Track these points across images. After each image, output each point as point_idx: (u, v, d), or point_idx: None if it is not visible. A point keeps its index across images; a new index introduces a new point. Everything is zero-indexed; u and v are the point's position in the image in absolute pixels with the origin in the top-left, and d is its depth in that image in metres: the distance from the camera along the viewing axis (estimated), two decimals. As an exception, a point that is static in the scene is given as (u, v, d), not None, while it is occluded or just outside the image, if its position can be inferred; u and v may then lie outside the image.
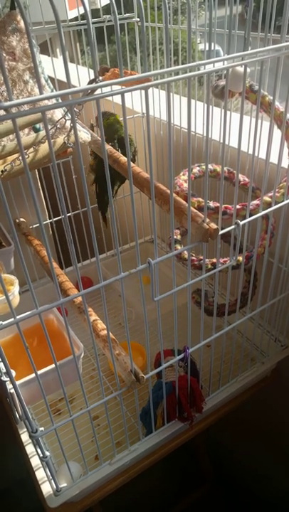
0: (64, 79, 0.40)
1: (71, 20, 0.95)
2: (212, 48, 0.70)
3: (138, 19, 0.98)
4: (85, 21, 0.91)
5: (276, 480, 1.20)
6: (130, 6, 1.10)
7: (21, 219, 1.07)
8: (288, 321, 0.91)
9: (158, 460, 0.80)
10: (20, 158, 0.62)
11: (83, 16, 0.92)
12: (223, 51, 0.82)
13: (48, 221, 1.14)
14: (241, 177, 0.81)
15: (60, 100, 0.69)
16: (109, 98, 0.74)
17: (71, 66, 0.81)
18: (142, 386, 0.65)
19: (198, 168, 0.79)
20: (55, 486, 0.69)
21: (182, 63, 1.05)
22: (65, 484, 0.70)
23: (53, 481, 0.68)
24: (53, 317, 0.78)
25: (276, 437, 1.12)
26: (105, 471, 0.73)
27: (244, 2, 0.68)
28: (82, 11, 0.93)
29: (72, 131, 0.55)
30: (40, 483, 0.71)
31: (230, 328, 0.76)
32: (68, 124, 0.60)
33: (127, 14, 0.97)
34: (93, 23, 0.94)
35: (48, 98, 0.37)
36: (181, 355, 0.74)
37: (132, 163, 0.78)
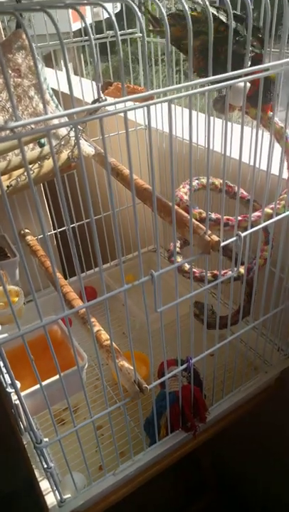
0: (68, 91, 0.41)
1: (75, 32, 0.96)
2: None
3: (140, 35, 1.00)
4: (87, 37, 0.93)
5: (281, 490, 1.19)
6: (133, 19, 1.12)
7: (26, 230, 1.08)
8: (291, 331, 0.91)
9: (162, 470, 0.80)
10: (26, 173, 0.63)
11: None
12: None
13: (53, 232, 1.15)
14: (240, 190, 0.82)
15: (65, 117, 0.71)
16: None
17: (74, 78, 0.83)
18: (146, 396, 0.65)
19: (196, 181, 0.80)
20: (59, 497, 0.69)
21: (184, 73, 1.06)
22: (69, 495, 0.70)
23: (56, 491, 0.68)
24: (57, 328, 0.79)
25: (280, 446, 1.12)
26: (109, 482, 0.73)
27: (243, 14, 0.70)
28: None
29: (76, 146, 0.56)
30: (44, 493, 0.71)
31: (233, 337, 0.77)
32: (72, 140, 0.62)
33: (130, 30, 0.98)
34: (96, 39, 0.96)
35: (53, 118, 0.38)
36: (184, 365, 0.74)
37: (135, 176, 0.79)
